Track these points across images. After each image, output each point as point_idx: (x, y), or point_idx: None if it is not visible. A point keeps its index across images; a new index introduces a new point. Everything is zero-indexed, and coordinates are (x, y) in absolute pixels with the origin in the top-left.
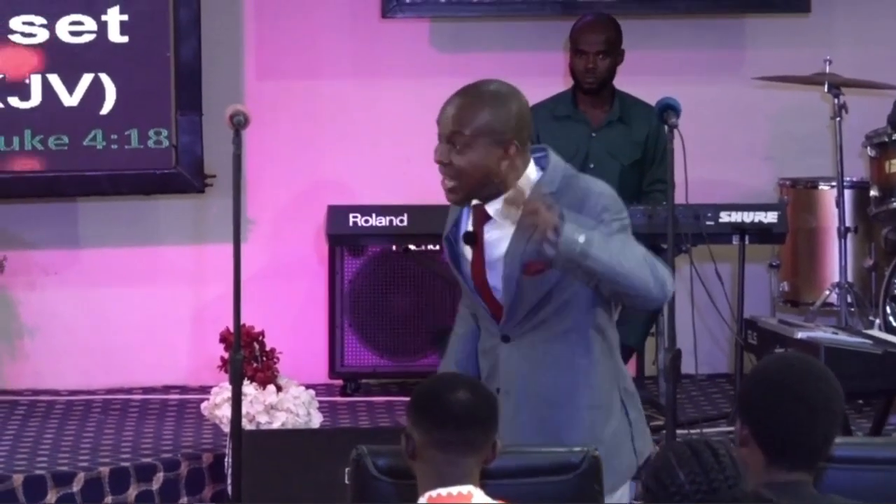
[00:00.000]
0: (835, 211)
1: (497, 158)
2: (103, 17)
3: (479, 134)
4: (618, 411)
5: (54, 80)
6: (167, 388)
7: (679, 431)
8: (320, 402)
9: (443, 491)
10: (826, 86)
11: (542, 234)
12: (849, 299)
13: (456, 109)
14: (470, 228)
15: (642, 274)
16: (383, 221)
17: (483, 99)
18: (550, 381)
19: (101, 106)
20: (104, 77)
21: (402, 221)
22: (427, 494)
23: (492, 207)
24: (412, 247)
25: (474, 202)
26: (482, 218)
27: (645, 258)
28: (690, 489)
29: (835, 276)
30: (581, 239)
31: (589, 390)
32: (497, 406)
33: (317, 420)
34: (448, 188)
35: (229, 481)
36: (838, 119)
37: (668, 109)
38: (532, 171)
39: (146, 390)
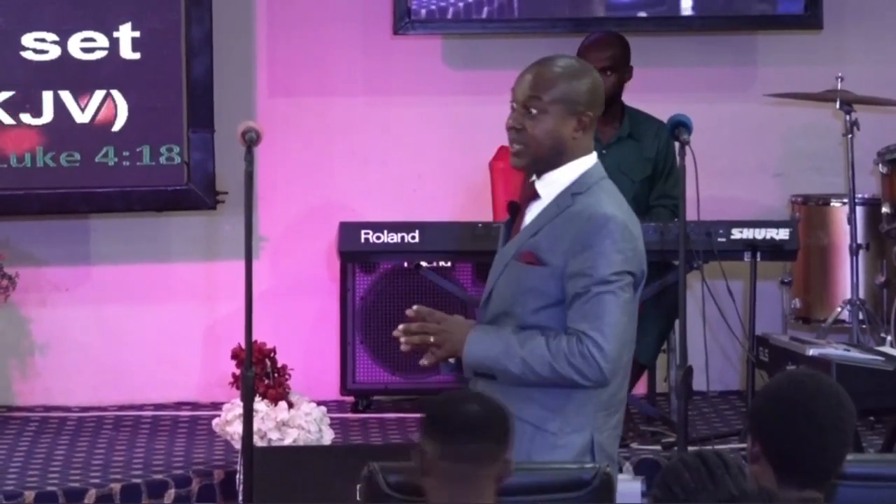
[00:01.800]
0: (846, 228)
1: (570, 129)
2: (115, 34)
3: (556, 101)
4: (573, 454)
5: (66, 96)
6: (178, 405)
7: (690, 448)
8: (332, 418)
9: None
10: (838, 103)
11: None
12: (860, 316)
13: (534, 76)
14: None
15: (551, 380)
16: (395, 238)
17: (562, 68)
18: (503, 388)
19: (112, 123)
20: (116, 94)
21: (413, 238)
22: None
23: (541, 185)
24: (424, 263)
25: (531, 178)
26: (530, 195)
27: (567, 358)
28: (696, 487)
29: (846, 293)
30: (484, 364)
31: (538, 409)
32: (510, 421)
33: (328, 437)
34: (514, 151)
35: (240, 498)
36: (850, 136)
37: (679, 126)
38: (589, 161)
39: (157, 407)
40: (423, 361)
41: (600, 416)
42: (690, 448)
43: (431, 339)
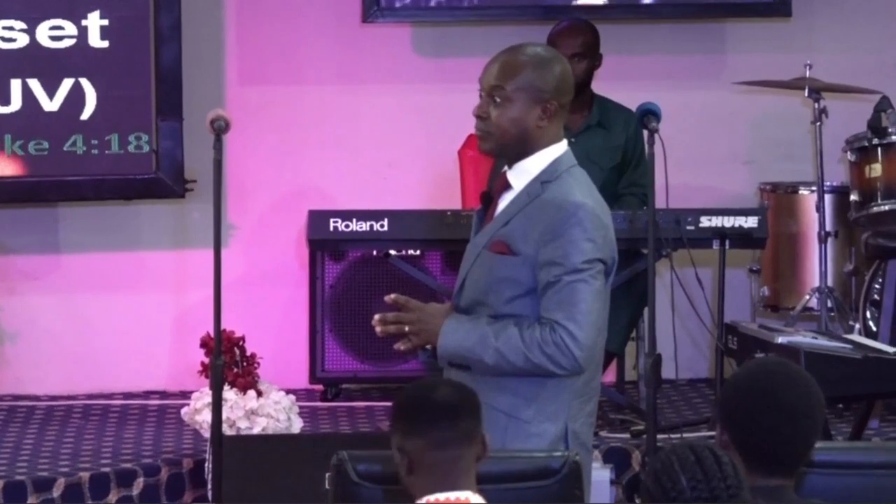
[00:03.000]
0: (815, 216)
1: (535, 117)
2: (83, 22)
3: (520, 90)
4: (547, 443)
5: (34, 84)
6: (148, 394)
7: (660, 436)
8: (301, 407)
9: (440, 496)
10: (806, 90)
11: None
12: (829, 304)
13: (499, 65)
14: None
15: (526, 369)
16: (364, 226)
17: (528, 57)
18: (475, 378)
19: (81, 111)
20: (84, 82)
21: (382, 226)
22: (425, 499)
23: (513, 175)
24: (393, 252)
25: (504, 169)
26: (502, 185)
27: (540, 347)
28: (691, 495)
29: (815, 281)
30: (459, 354)
31: (510, 397)
32: (477, 396)
33: (297, 425)
34: (479, 136)
35: (210, 487)
36: (818, 124)
37: (648, 114)
38: (559, 149)
39: (127, 396)
40: (399, 346)
41: (575, 404)
42: (659, 436)
43: (406, 329)
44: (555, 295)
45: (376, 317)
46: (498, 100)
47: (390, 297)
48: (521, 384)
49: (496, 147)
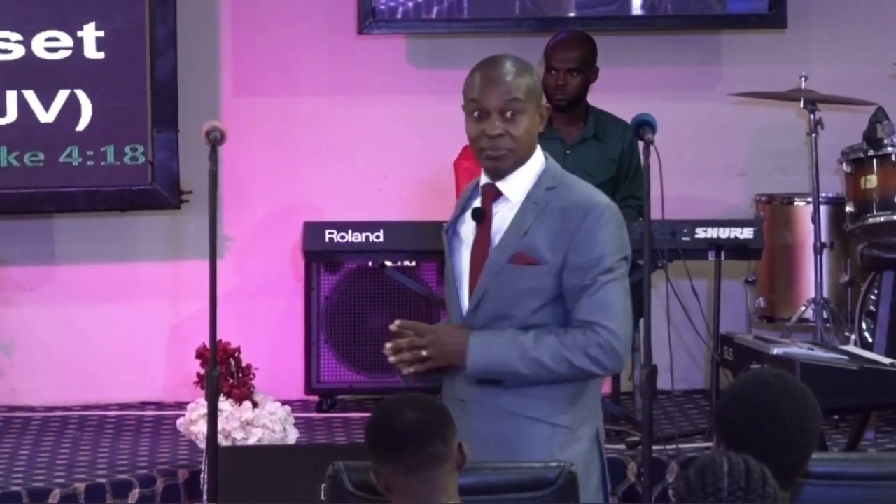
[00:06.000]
0: (811, 227)
1: (537, 123)
2: (79, 34)
3: (529, 99)
4: (587, 445)
5: (30, 96)
6: (143, 405)
7: (655, 447)
8: (296, 418)
9: None
10: (802, 102)
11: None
12: (825, 315)
13: (502, 79)
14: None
15: (565, 375)
16: (359, 238)
17: (519, 66)
18: (506, 391)
19: (77, 122)
20: (80, 93)
21: (378, 237)
22: None
23: (507, 185)
24: (388, 263)
25: (483, 181)
26: (492, 195)
27: (584, 351)
28: (727, 497)
29: (811, 292)
30: (491, 370)
31: (549, 404)
32: (446, 411)
33: (293, 436)
34: (498, 156)
35: (205, 497)
36: (814, 135)
37: (644, 126)
38: (541, 154)
39: (122, 406)
40: (409, 370)
41: (599, 406)
42: (655, 447)
43: (424, 353)
44: (590, 297)
45: (388, 345)
46: (510, 114)
47: (395, 326)
48: (560, 391)
49: (517, 162)
